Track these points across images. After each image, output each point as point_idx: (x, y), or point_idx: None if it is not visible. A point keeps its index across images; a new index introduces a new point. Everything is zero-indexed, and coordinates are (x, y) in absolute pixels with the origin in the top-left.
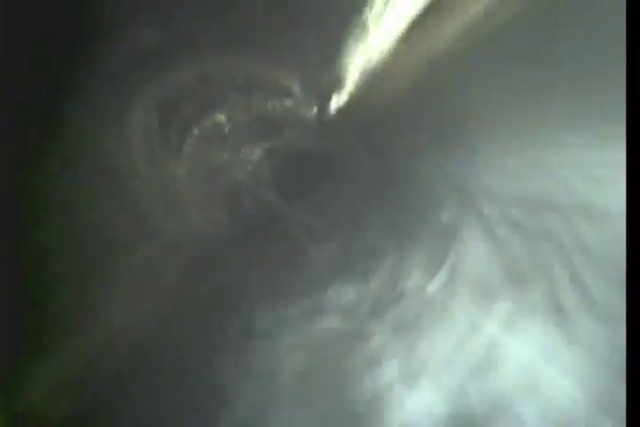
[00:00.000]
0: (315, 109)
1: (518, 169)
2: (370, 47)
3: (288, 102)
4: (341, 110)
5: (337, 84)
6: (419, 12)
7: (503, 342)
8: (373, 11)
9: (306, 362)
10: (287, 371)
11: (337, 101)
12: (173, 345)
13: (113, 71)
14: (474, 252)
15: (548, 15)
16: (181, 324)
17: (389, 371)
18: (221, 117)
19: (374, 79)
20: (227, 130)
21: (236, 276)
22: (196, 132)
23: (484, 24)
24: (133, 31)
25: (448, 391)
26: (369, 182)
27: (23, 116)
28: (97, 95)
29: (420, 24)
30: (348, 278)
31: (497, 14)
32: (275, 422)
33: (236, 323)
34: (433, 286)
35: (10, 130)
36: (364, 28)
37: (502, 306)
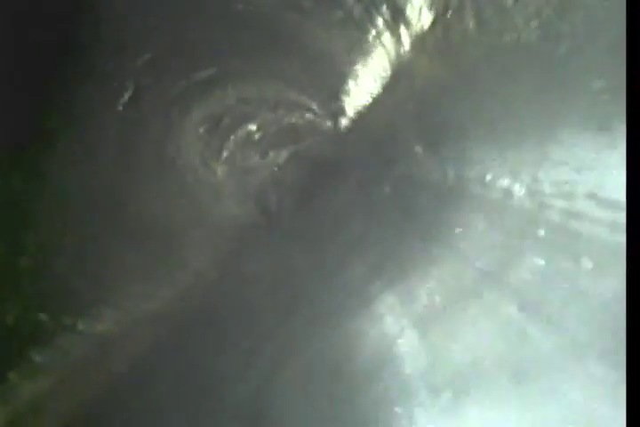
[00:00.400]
0: (330, 123)
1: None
2: (371, 78)
3: (309, 117)
4: (350, 124)
5: (347, 105)
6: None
7: None
8: (375, 49)
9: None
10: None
11: (347, 118)
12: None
13: (174, 94)
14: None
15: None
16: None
17: None
18: (253, 128)
19: (374, 103)
20: (257, 137)
21: (258, 256)
22: (232, 138)
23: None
24: (191, 66)
25: None
26: (375, 180)
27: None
28: (161, 109)
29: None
30: (358, 261)
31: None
32: None
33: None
34: None
35: (104, 143)
36: (367, 63)
37: None
